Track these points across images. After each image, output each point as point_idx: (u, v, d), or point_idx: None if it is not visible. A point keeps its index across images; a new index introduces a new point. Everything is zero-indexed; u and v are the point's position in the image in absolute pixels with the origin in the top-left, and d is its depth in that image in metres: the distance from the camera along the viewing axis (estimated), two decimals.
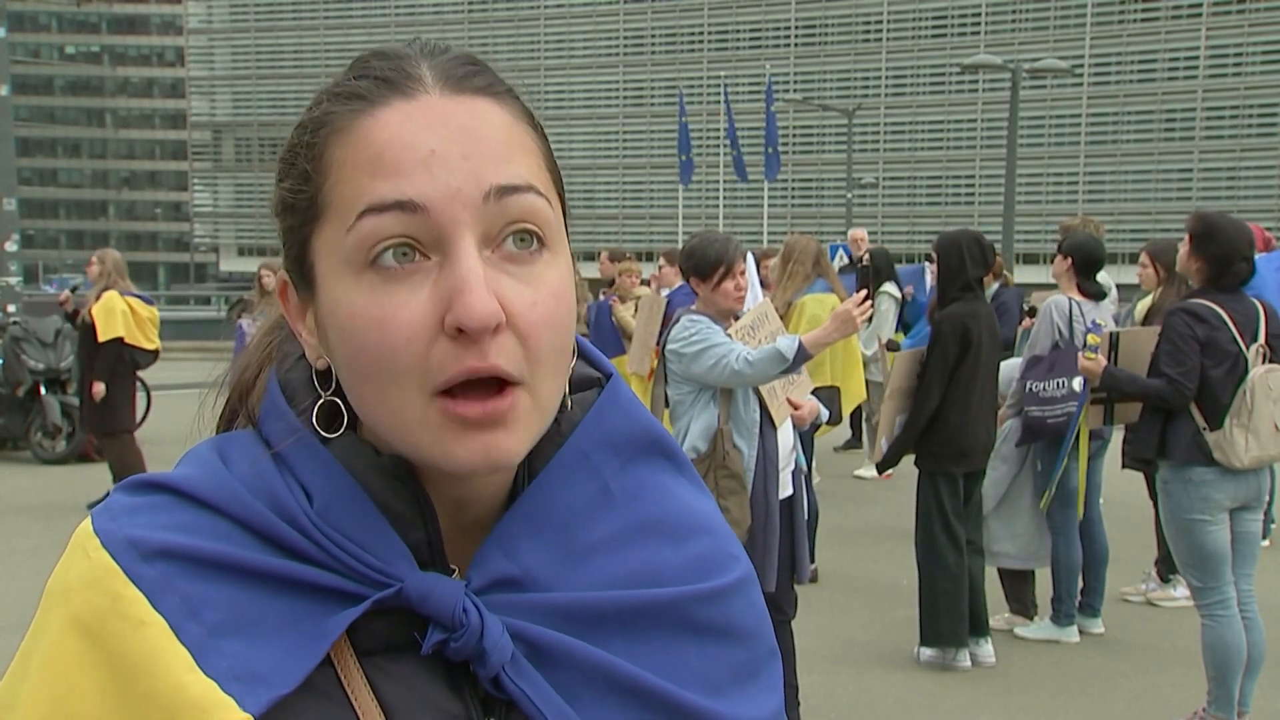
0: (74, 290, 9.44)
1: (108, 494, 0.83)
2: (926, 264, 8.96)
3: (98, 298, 8.22)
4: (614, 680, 0.79)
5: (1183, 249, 4.53)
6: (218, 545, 0.76)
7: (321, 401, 0.81)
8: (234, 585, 0.75)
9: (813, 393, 4.69)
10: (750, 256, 5.58)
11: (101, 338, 8.13)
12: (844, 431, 10.98)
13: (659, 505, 0.86)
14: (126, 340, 8.21)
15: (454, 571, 0.80)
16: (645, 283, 9.45)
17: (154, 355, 8.51)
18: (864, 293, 4.24)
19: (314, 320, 0.80)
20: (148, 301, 8.56)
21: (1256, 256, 6.56)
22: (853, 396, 7.17)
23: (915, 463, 5.41)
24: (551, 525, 0.81)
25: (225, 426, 0.90)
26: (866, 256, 10.01)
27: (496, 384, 0.74)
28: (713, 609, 0.85)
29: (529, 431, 0.77)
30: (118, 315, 8.16)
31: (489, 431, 0.74)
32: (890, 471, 6.02)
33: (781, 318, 5.43)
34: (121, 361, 8.28)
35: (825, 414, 4.71)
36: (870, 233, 11.99)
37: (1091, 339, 4.92)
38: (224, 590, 0.75)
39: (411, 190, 0.73)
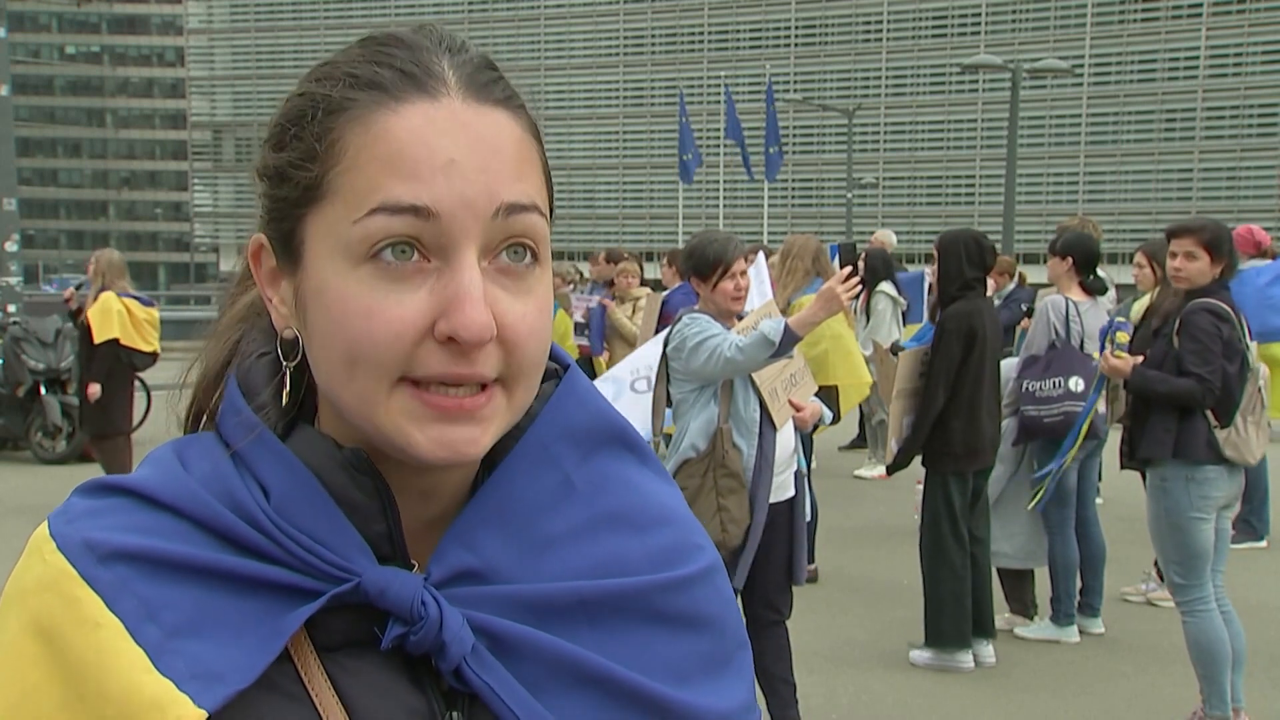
0: (78, 288, 9.43)
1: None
2: (927, 269, 8.95)
3: (94, 299, 8.17)
4: (579, 671, 0.79)
5: (1199, 263, 4.41)
6: (175, 546, 0.76)
7: (284, 372, 0.82)
8: (192, 585, 0.75)
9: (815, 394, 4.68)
10: (761, 256, 5.54)
11: (97, 339, 8.09)
12: (849, 431, 10.97)
13: (622, 496, 0.86)
14: (123, 342, 8.15)
15: (414, 566, 0.80)
16: (657, 284, 9.45)
17: (153, 357, 8.42)
18: (848, 269, 4.17)
19: (290, 291, 0.80)
20: (146, 303, 8.48)
21: (1247, 266, 6.63)
22: (855, 392, 7.11)
23: (923, 463, 5.39)
24: (513, 517, 0.81)
25: (193, 423, 0.90)
26: (862, 254, 10.02)
27: (477, 385, 0.75)
28: (679, 598, 0.85)
29: (497, 429, 0.78)
30: (113, 316, 8.10)
31: (459, 424, 0.75)
32: (883, 471, 6.01)
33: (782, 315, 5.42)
34: (118, 363, 8.22)
35: (829, 416, 4.70)
36: (871, 233, 11.98)
37: (1120, 337, 4.86)
38: (182, 591, 0.75)
39: (428, 196, 0.73)
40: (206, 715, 0.71)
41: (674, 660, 0.83)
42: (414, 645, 0.76)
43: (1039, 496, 5.60)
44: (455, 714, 0.79)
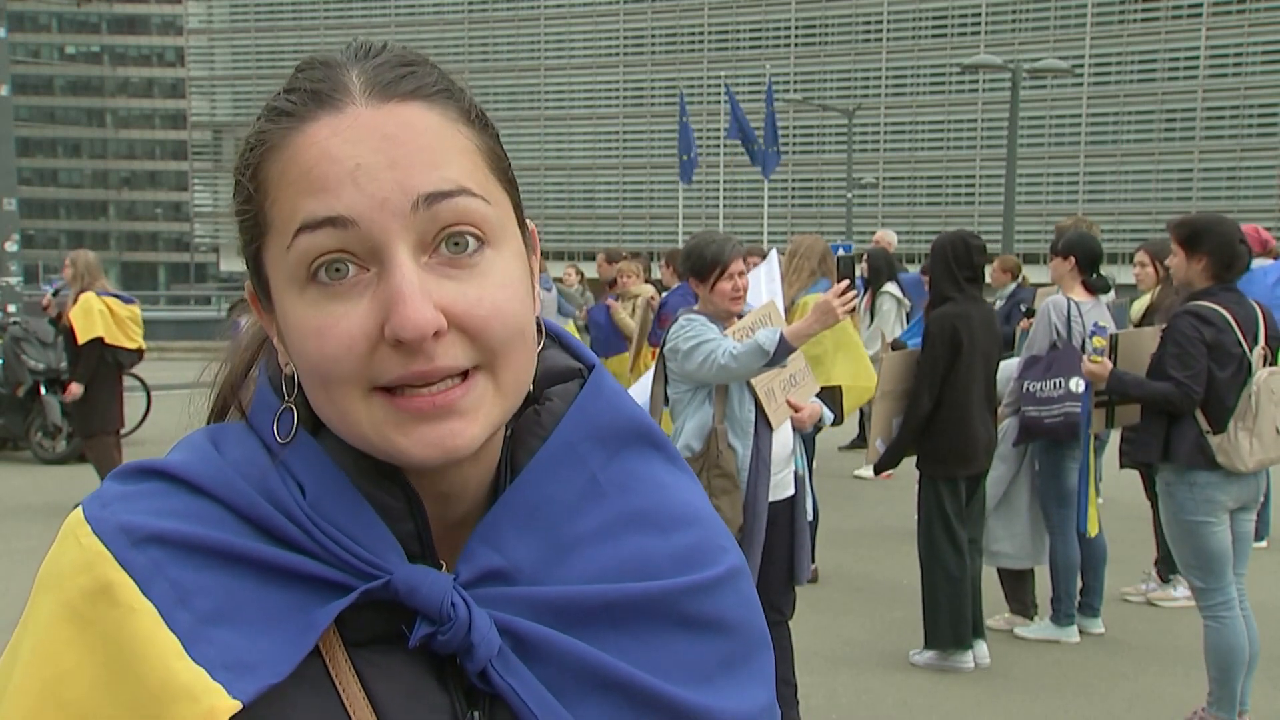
0: (55, 294, 9.52)
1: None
2: (922, 276, 8.97)
3: (74, 300, 8.22)
4: (600, 675, 0.80)
5: (1177, 259, 4.46)
6: (210, 531, 0.76)
7: (282, 409, 0.82)
8: (225, 572, 0.75)
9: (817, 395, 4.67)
10: (774, 254, 5.51)
11: (81, 339, 8.12)
12: (849, 431, 10.97)
13: (648, 496, 0.86)
14: (107, 340, 8.19)
15: (443, 565, 0.81)
16: (658, 285, 9.44)
17: (138, 354, 8.48)
18: (845, 283, 4.16)
19: (275, 329, 0.82)
20: (127, 300, 8.54)
21: (1254, 265, 6.59)
22: (858, 394, 7.09)
23: (917, 466, 5.39)
24: (540, 518, 0.81)
25: (216, 419, 0.91)
26: (864, 256, 10.03)
27: (455, 377, 0.75)
28: (702, 601, 0.85)
29: (489, 418, 0.77)
30: (95, 316, 8.13)
31: (444, 421, 0.75)
32: (890, 472, 5.99)
33: (786, 315, 5.39)
34: (104, 363, 8.26)
35: (829, 417, 4.68)
36: (871, 233, 11.97)
37: (1096, 341, 4.86)
38: (215, 577, 0.75)
39: (340, 205, 0.74)
40: (240, 706, 0.71)
41: (696, 663, 0.83)
42: (441, 645, 0.77)
43: (1093, 518, 5.54)
44: (476, 713, 0.79)
